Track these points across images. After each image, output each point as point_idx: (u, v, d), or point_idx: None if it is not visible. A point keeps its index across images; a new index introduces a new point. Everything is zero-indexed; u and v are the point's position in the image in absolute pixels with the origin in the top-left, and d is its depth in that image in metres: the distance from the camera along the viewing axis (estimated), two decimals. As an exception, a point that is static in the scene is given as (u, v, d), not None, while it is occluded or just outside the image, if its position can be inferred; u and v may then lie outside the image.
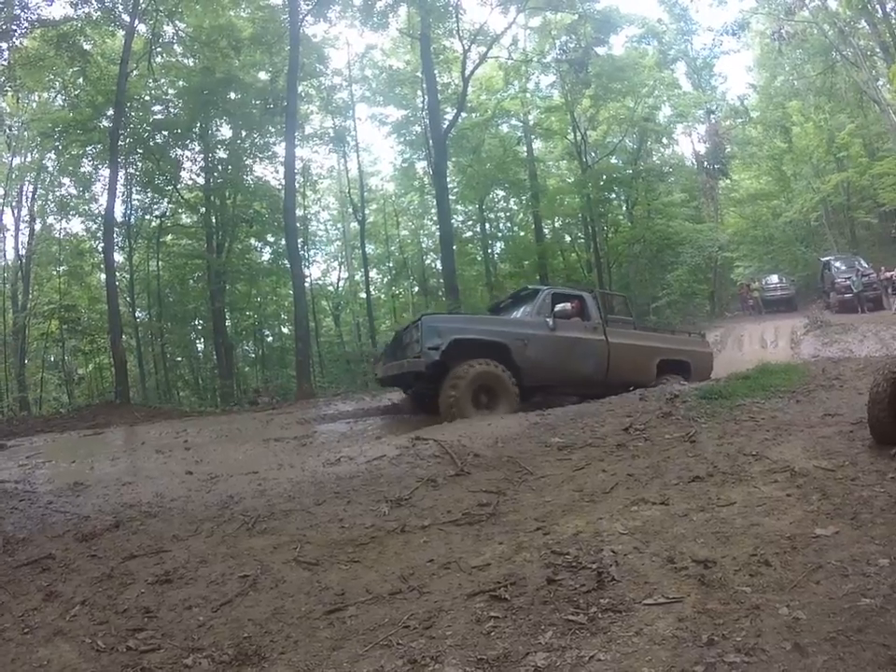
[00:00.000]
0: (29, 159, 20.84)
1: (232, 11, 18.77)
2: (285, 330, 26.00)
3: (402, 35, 21.23)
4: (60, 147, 18.60)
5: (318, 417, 8.18)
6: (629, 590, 2.05)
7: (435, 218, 23.12)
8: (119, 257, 19.35)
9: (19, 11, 13.79)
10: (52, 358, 21.28)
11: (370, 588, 2.31)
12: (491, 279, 24.84)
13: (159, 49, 17.88)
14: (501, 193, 26.30)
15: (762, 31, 25.24)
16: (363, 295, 25.06)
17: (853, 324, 13.45)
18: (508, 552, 2.53)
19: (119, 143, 15.89)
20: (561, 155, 25.61)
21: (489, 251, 26.39)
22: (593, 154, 23.84)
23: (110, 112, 16.29)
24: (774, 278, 22.07)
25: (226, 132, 20.93)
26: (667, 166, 25.43)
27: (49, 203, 21.22)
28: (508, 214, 27.74)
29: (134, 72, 16.42)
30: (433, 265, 26.80)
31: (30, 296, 20.23)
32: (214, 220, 20.78)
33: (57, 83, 17.75)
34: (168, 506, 3.53)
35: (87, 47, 15.87)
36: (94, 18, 15.36)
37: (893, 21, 20.10)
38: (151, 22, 16.80)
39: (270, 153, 21.41)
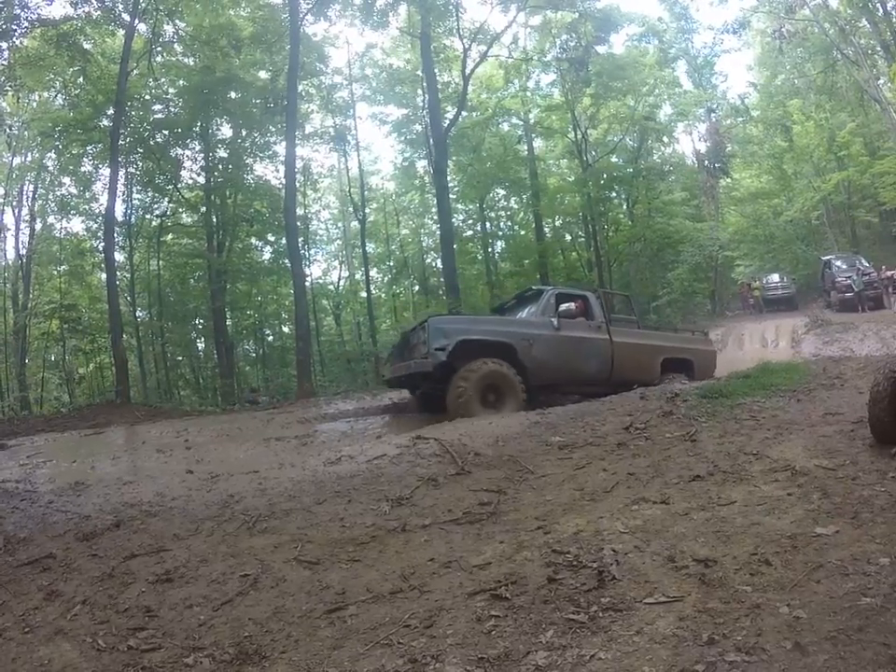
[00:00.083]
0: (29, 158, 20.90)
1: (232, 10, 18.78)
2: (285, 330, 26.02)
3: (402, 33, 21.24)
4: (60, 147, 18.62)
5: (319, 416, 8.20)
6: (630, 589, 2.05)
7: (435, 217, 23.09)
8: (119, 256, 19.41)
9: (19, 11, 13.83)
10: (53, 358, 21.31)
11: (370, 587, 2.31)
12: (491, 278, 24.82)
13: (159, 49, 17.91)
14: (502, 192, 26.28)
15: (762, 29, 25.28)
16: (364, 294, 25.03)
17: (854, 323, 13.41)
18: (508, 551, 2.53)
19: (120, 142, 15.92)
20: (561, 154, 25.57)
21: (490, 250, 26.37)
22: (593, 153, 23.77)
23: (110, 111, 16.33)
24: (774, 277, 22.00)
25: (226, 131, 21.03)
26: (668, 165, 25.37)
27: (49, 202, 21.28)
28: (508, 213, 27.72)
29: (135, 71, 16.43)
30: (434, 264, 26.82)
31: (30, 295, 20.26)
32: (214, 220, 20.80)
33: (57, 83, 17.76)
34: (169, 505, 3.53)
35: (87, 46, 15.91)
36: (94, 17, 15.39)
37: (894, 20, 20.10)
38: (151, 22, 16.82)
39: (270, 152, 21.50)
